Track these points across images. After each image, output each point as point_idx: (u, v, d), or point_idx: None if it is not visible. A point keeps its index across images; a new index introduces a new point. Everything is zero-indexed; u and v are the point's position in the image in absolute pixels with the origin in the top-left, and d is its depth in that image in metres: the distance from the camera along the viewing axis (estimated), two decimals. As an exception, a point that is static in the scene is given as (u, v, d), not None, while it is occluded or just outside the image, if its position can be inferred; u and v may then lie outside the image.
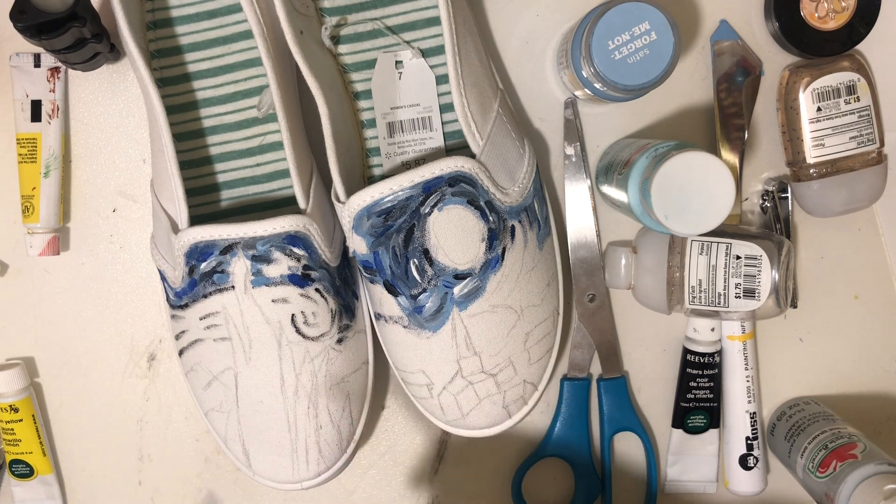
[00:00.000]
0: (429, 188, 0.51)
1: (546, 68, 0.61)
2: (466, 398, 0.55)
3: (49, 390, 0.62)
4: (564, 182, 0.61)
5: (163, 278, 0.56)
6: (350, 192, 0.52)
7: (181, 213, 0.52)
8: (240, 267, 0.52)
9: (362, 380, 0.58)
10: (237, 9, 0.57)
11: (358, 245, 0.53)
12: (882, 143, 0.60)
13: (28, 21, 0.52)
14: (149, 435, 0.62)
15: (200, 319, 0.54)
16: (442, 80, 0.58)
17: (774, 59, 0.62)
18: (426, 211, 0.51)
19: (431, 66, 0.57)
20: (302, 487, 0.56)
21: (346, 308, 0.56)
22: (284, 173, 0.57)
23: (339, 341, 0.55)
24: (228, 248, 0.52)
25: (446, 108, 0.57)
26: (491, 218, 0.53)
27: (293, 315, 0.53)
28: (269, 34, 0.53)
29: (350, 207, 0.52)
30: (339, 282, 0.56)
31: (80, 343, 0.62)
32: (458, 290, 0.53)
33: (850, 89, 0.59)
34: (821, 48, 0.60)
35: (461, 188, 0.52)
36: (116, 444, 0.62)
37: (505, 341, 0.55)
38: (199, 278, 0.53)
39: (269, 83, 0.53)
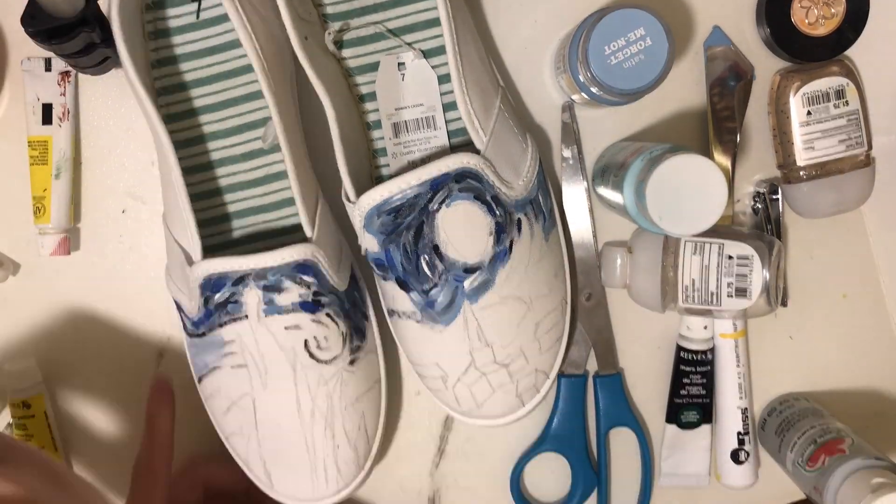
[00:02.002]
0: (436, 185, 0.52)
1: (544, 73, 0.62)
2: (480, 389, 0.56)
3: (60, 387, 0.62)
4: (561, 184, 0.62)
5: (179, 308, 0.56)
6: (360, 192, 0.52)
7: (194, 245, 0.53)
8: (252, 297, 0.52)
9: (376, 398, 0.58)
10: (237, 44, 0.56)
11: (369, 243, 0.53)
12: (870, 147, 0.61)
13: (38, 26, 0.52)
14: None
15: (218, 347, 0.55)
16: (444, 79, 0.58)
17: (766, 64, 0.62)
18: (434, 207, 0.52)
19: (433, 66, 0.58)
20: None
21: (357, 330, 0.57)
22: (291, 201, 0.57)
23: (352, 363, 0.56)
24: (240, 280, 0.52)
25: (449, 106, 0.58)
26: (498, 212, 0.53)
27: (306, 340, 0.54)
28: (270, 67, 0.53)
29: (360, 207, 0.52)
30: (349, 304, 0.56)
31: (90, 341, 0.62)
32: (469, 283, 0.54)
33: (839, 93, 0.60)
34: (811, 53, 0.60)
35: (468, 184, 0.52)
36: (126, 441, 0.62)
37: (516, 332, 0.55)
38: (214, 308, 0.53)
39: (272, 116, 0.53)
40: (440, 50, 0.57)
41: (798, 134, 0.60)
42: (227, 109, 0.57)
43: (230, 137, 0.58)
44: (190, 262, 0.53)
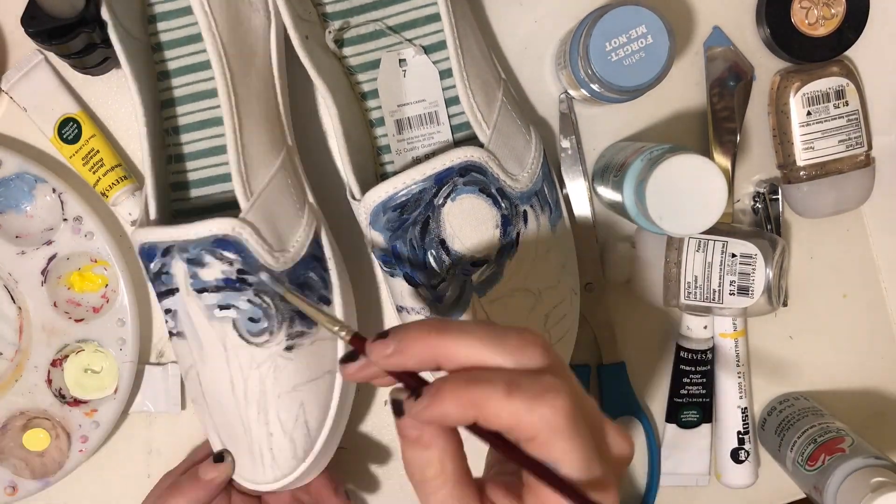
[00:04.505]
0: (441, 179, 0.52)
1: (545, 74, 0.62)
2: None
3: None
4: (562, 174, 0.61)
5: None
6: (365, 189, 0.52)
7: (151, 208, 0.52)
8: (179, 269, 0.51)
9: (323, 390, 0.54)
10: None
11: (376, 240, 0.53)
12: (870, 147, 0.61)
13: (39, 26, 0.53)
14: (158, 429, 0.62)
15: (165, 315, 0.54)
16: (445, 74, 0.57)
17: (766, 65, 0.62)
18: (440, 202, 0.52)
19: (434, 62, 0.58)
20: (264, 490, 0.54)
21: (301, 315, 0.53)
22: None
23: (289, 349, 0.53)
24: (167, 251, 0.51)
25: (452, 101, 0.57)
26: (503, 204, 0.53)
27: (234, 320, 0.52)
28: (223, 31, 0.51)
29: (366, 204, 0.52)
30: (293, 286, 0.53)
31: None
32: (477, 276, 0.54)
33: (839, 94, 0.60)
34: (811, 54, 0.60)
35: (472, 177, 0.52)
36: (126, 438, 0.63)
37: (525, 324, 0.55)
38: (152, 278, 0.52)
39: (218, 85, 0.51)
40: (441, 45, 0.57)
41: (798, 134, 0.60)
42: (194, 74, 0.56)
43: (198, 102, 0.57)
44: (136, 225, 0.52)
